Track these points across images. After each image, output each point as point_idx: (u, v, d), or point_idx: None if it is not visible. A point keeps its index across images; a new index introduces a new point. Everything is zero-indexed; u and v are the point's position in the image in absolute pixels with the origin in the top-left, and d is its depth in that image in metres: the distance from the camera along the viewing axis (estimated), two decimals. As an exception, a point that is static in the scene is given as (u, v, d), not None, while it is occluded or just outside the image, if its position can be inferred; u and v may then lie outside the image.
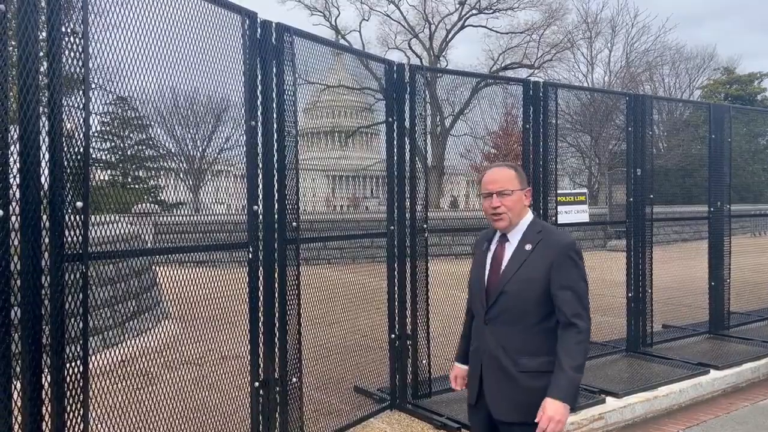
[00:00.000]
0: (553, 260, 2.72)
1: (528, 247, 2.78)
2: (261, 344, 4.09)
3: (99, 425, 3.36)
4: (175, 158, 4.87)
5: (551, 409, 2.60)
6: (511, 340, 2.75)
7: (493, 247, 2.90)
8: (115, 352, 4.17)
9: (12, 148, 2.77)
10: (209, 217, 5.03)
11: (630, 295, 7.01)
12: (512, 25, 45.52)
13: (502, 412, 2.78)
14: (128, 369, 4.01)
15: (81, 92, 2.98)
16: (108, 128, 4.59)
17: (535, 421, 2.63)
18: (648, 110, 7.23)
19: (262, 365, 4.10)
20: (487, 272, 2.87)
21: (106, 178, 4.62)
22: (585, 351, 2.70)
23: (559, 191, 6.43)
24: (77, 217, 2.99)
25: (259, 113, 4.05)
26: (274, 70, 4.14)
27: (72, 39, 2.94)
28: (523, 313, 2.74)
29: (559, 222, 6.31)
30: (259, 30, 4.05)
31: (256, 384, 4.07)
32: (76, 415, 3.01)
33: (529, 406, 2.69)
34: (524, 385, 2.72)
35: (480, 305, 2.86)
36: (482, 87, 7.77)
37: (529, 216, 2.89)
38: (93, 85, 3.07)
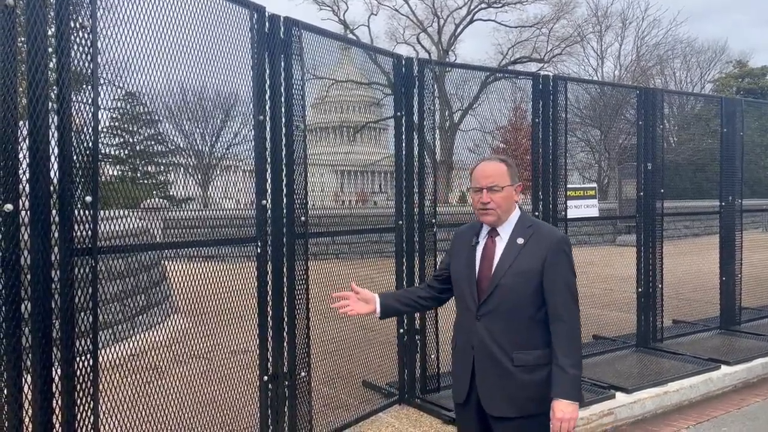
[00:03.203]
0: (547, 254, 2.71)
1: (520, 240, 2.76)
2: (270, 339, 4.10)
3: (109, 418, 3.38)
4: (184, 153, 4.88)
5: (559, 409, 2.63)
6: (506, 334, 2.72)
7: (482, 241, 2.86)
8: (124, 346, 4.19)
9: (22, 143, 2.78)
10: (218, 212, 5.04)
11: (640, 290, 6.98)
12: (521, 19, 45.50)
13: (498, 407, 2.73)
14: (138, 363, 4.03)
15: (90, 88, 2.98)
16: (117, 124, 4.59)
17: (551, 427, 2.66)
18: (659, 104, 7.17)
19: (270, 359, 4.11)
20: (477, 267, 2.82)
21: (116, 173, 4.63)
22: (578, 344, 2.74)
23: (568, 186, 6.40)
24: (87, 211, 3.00)
25: (267, 108, 4.05)
26: (283, 64, 4.13)
27: (81, 34, 2.95)
28: (517, 306, 2.72)
29: (568, 217, 6.28)
30: (267, 24, 4.04)
31: (265, 378, 4.08)
32: (86, 408, 3.03)
33: (526, 400, 2.69)
34: (520, 379, 2.70)
35: (471, 301, 2.80)
36: (491, 81, 7.71)
37: (518, 211, 2.86)
38: (102, 81, 3.08)
